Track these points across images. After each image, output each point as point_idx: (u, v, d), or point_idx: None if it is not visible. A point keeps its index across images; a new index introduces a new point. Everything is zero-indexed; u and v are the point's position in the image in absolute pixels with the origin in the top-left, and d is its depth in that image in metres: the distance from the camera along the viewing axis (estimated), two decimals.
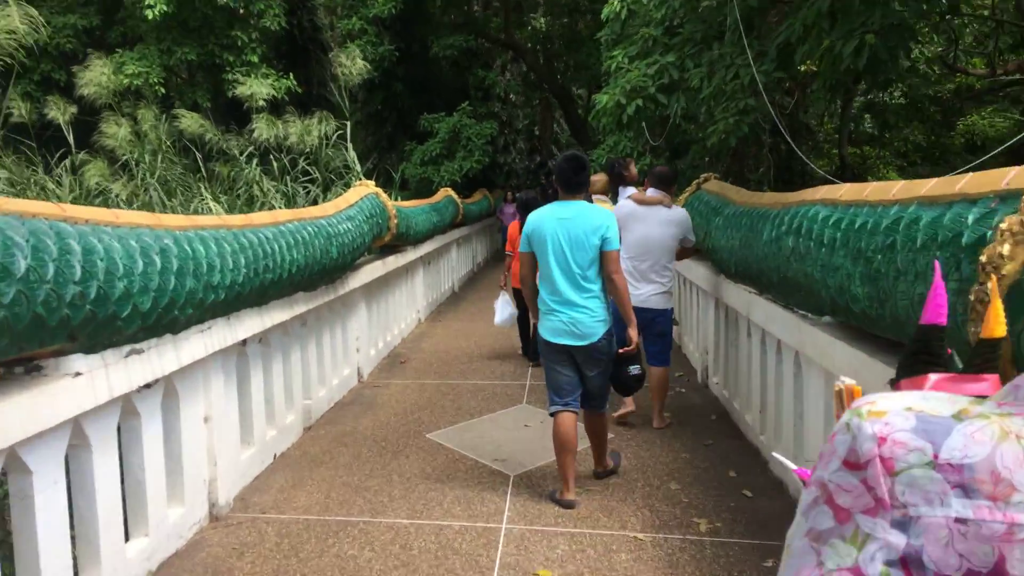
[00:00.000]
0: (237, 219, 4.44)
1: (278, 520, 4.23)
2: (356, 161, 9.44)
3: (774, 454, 1.68)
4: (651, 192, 5.95)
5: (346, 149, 9.78)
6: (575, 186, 4.16)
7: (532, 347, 8.29)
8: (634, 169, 6.71)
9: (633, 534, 3.93)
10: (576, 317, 4.05)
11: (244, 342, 4.64)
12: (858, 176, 17.60)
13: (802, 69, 8.42)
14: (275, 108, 12.33)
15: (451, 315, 11.19)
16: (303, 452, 5.34)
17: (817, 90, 7.08)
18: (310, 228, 5.27)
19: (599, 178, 6.61)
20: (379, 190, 7.57)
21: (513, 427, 5.79)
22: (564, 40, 23.58)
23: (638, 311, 4.71)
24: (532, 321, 4.60)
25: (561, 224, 4.07)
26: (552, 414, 4.28)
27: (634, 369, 4.38)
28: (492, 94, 23.84)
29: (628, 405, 5.68)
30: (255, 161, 9.44)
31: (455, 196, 13.15)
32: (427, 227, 9.93)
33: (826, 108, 18.69)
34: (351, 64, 10.90)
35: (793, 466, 1.32)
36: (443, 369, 7.73)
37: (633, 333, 4.25)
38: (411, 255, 9.39)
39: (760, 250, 4.18)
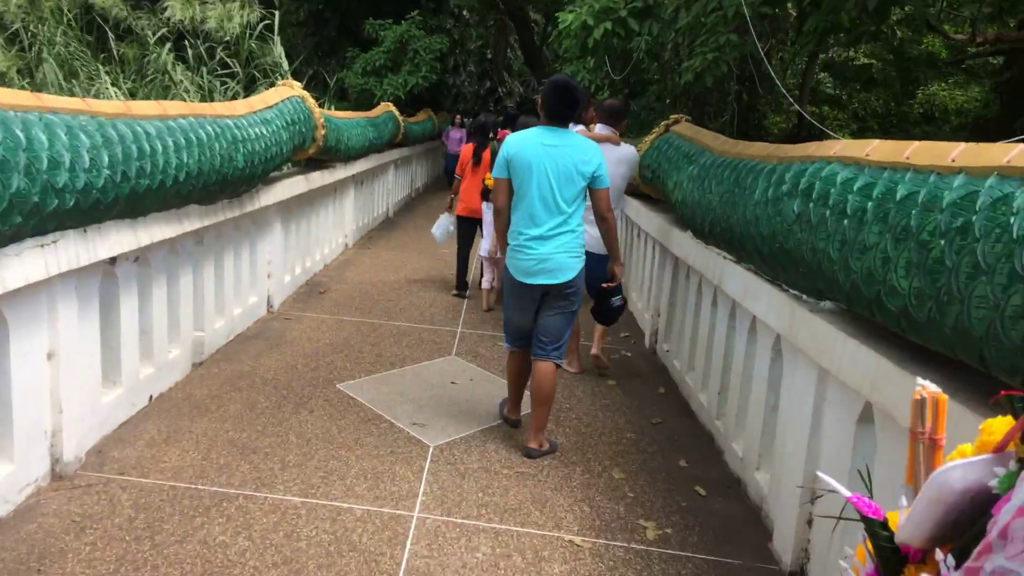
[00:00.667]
0: (109, 106, 3.49)
1: (138, 485, 3.43)
2: (283, 58, 8.33)
3: (821, 474, 1.38)
4: (599, 128, 5.42)
5: (273, 44, 8.63)
6: (561, 118, 3.89)
7: (460, 280, 7.70)
8: (592, 111, 5.96)
9: (569, 537, 3.28)
10: (552, 254, 3.80)
11: (113, 260, 3.75)
12: (814, 136, 17.18)
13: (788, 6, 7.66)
14: None
15: (383, 242, 10.30)
16: (187, 395, 4.51)
17: (806, 34, 6.37)
18: (210, 128, 4.33)
19: None
20: (305, 93, 6.57)
21: (438, 383, 5.07)
22: None
23: (589, 256, 4.16)
24: (496, 254, 4.19)
25: (548, 152, 3.79)
26: (508, 349, 4.22)
27: (616, 300, 4.43)
28: (444, 7, 22.42)
29: (574, 366, 5.48)
30: (167, 46, 8.22)
31: (396, 112, 12.10)
32: (361, 143, 8.95)
33: (791, 61, 18.09)
34: None
35: (847, 492, 1.22)
36: (366, 305, 6.92)
37: (618, 269, 4.23)
38: (341, 172, 8.44)
39: (748, 211, 3.49)
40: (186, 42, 8.54)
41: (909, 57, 11.37)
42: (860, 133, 17.70)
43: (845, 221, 2.55)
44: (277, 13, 8.77)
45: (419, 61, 16.80)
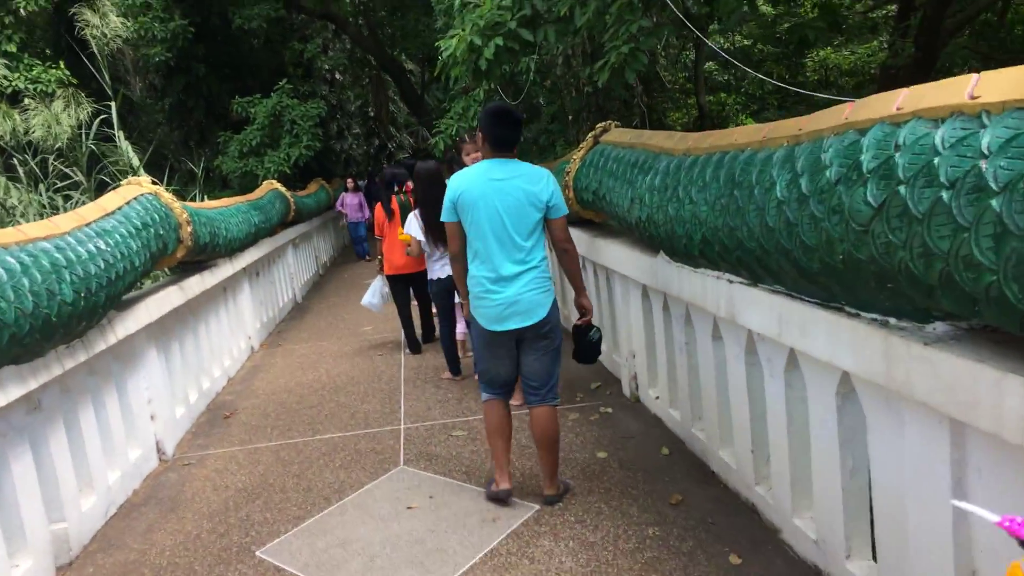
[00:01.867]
0: None
1: None
2: (131, 152, 7.11)
3: (956, 503, 1.31)
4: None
5: (117, 139, 7.39)
6: (506, 145, 3.62)
7: (425, 334, 7.31)
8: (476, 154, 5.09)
9: None
10: (521, 294, 3.55)
11: None
12: (718, 125, 16.76)
13: None
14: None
15: (295, 334, 9.04)
16: None
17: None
18: (11, 260, 3.13)
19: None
20: (158, 189, 5.39)
21: (391, 513, 3.91)
22: (388, 6, 21.38)
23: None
24: (462, 303, 3.91)
25: (494, 187, 3.54)
26: (486, 399, 3.87)
27: (595, 334, 3.95)
28: (315, 71, 21.41)
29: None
30: None
31: (283, 189, 10.91)
32: (245, 230, 7.75)
33: (678, 56, 17.74)
34: (102, 23, 8.40)
35: (994, 517, 1.16)
36: (284, 420, 5.69)
37: (587, 301, 3.86)
38: (226, 269, 7.21)
39: (769, 216, 2.52)
40: (15, 160, 7.20)
41: (804, 22, 10.89)
42: (759, 113, 17.37)
43: (995, 201, 1.58)
44: (113, 104, 7.53)
45: (298, 131, 15.65)
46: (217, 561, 3.61)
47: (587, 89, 11.40)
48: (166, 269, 6.22)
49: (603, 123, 5.29)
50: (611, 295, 5.56)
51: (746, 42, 18.00)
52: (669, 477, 3.95)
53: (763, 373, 3.17)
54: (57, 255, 3.59)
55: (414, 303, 7.38)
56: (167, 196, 5.45)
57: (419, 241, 6.08)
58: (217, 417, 5.99)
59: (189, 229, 5.56)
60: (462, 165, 5.27)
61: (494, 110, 3.66)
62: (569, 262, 3.73)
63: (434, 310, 6.86)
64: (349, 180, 16.05)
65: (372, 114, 31.51)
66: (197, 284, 6.21)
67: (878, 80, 12.32)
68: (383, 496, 4.13)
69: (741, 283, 3.05)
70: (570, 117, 12.05)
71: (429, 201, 5.72)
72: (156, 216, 5.09)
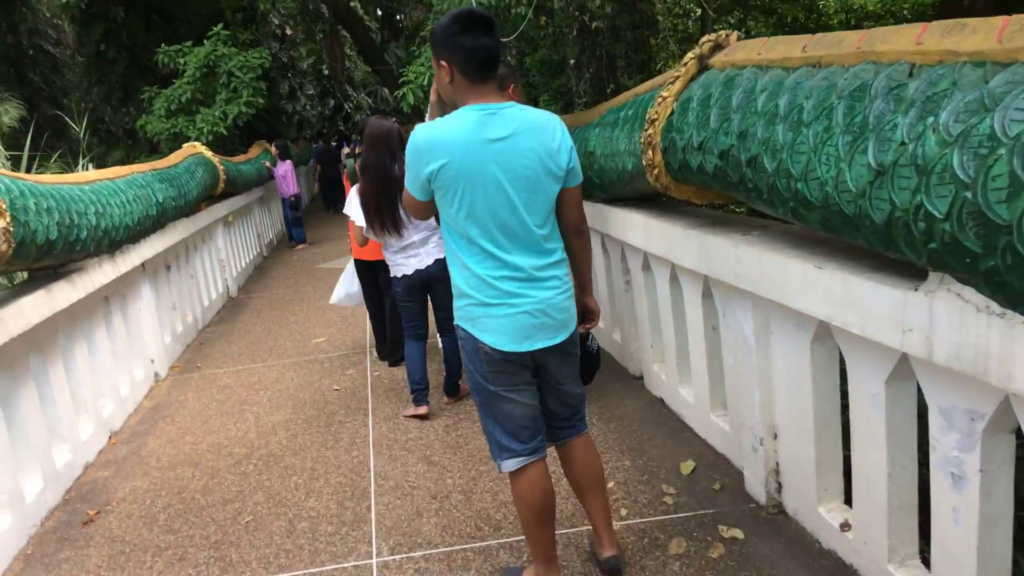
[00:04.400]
0: None
1: None
2: None
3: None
4: None
5: None
6: (492, 67, 2.39)
7: (389, 346, 5.52)
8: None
9: None
10: (550, 300, 2.43)
11: None
12: None
13: None
14: None
15: (221, 347, 6.74)
16: None
17: None
18: None
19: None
20: None
21: None
22: None
23: None
24: None
25: (494, 151, 2.32)
26: (516, 465, 2.55)
27: (592, 345, 2.88)
28: (259, 20, 18.72)
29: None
30: None
31: (208, 154, 8.51)
32: (140, 213, 5.41)
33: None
34: None
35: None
36: (177, 533, 3.47)
37: (594, 303, 2.79)
38: (105, 272, 4.89)
39: None
40: None
41: None
42: None
43: None
44: None
45: (236, 84, 13.11)
46: None
47: (597, 25, 9.12)
48: None
49: (712, 35, 3.07)
50: (716, 329, 3.40)
51: None
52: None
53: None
54: None
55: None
56: None
57: (360, 227, 4.37)
58: (74, 520, 3.73)
59: (3, 223, 3.25)
60: None
61: (458, 15, 2.38)
62: (585, 249, 2.71)
63: None
64: (272, 147, 13.29)
65: (327, 72, 28.86)
66: (45, 302, 3.90)
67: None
68: None
69: None
70: (571, 62, 9.74)
71: (375, 174, 4.22)
72: None
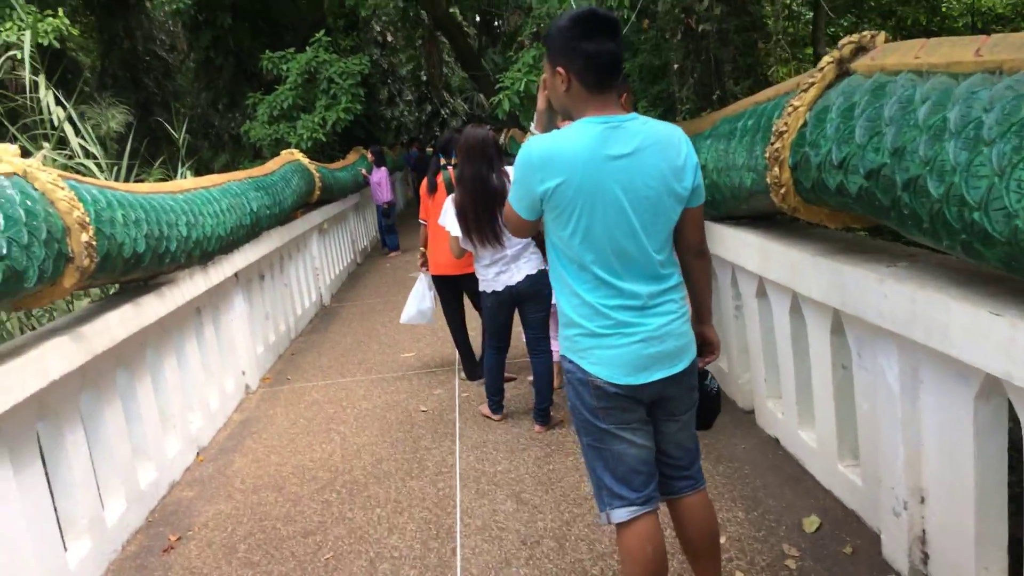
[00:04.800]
0: None
1: None
2: (52, 106, 4.75)
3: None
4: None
5: (27, 88, 5.03)
6: (613, 76, 2.12)
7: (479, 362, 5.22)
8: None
9: None
10: (666, 328, 2.18)
11: None
12: None
13: None
14: None
15: (311, 358, 6.66)
16: None
17: None
18: None
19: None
20: (27, 165, 3.00)
21: None
22: None
23: None
24: None
25: (616, 169, 2.07)
26: (620, 521, 2.26)
27: (712, 384, 2.49)
28: (361, 27, 18.98)
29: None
30: None
31: (305, 161, 8.52)
32: (234, 222, 5.35)
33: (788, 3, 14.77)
34: None
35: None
36: (255, 566, 3.31)
37: (714, 334, 2.49)
38: (196, 284, 4.83)
39: None
40: None
41: None
42: None
43: None
44: (26, 42, 5.18)
45: (335, 91, 13.22)
46: None
47: (704, 28, 8.67)
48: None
49: (854, 36, 2.66)
50: (864, 377, 2.98)
51: None
52: None
53: None
54: None
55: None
56: (42, 178, 3.05)
57: (456, 238, 4.28)
58: (155, 546, 3.62)
59: (86, 237, 3.15)
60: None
61: (579, 17, 2.11)
62: (706, 272, 2.43)
63: None
64: (369, 153, 13.29)
65: (425, 78, 29.10)
66: (130, 317, 3.83)
67: None
68: None
69: None
70: (675, 66, 9.32)
71: (472, 184, 4.12)
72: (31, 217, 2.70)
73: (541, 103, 2.32)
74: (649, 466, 2.28)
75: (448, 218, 4.35)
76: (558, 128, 2.24)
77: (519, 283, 4.21)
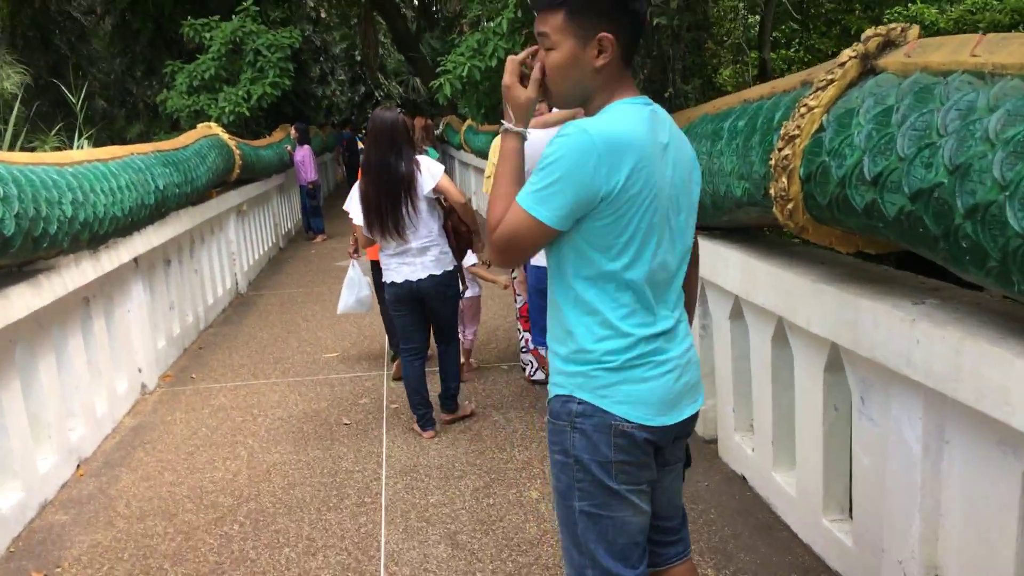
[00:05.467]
0: None
1: None
2: None
3: None
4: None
5: None
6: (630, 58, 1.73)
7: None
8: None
9: None
10: (686, 350, 1.81)
11: None
12: None
13: None
14: None
15: (221, 355, 6.00)
16: None
17: None
18: None
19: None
20: None
21: None
22: None
23: None
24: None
25: (668, 161, 1.69)
26: None
27: None
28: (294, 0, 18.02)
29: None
30: None
31: (224, 136, 7.78)
32: (131, 203, 4.66)
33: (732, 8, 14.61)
34: None
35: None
36: None
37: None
38: (83, 272, 4.16)
39: None
40: None
41: None
42: None
43: None
44: None
45: (263, 64, 12.39)
46: None
47: (659, 21, 8.32)
48: None
49: (882, 28, 2.26)
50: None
51: None
52: None
53: None
54: None
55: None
56: None
57: (359, 226, 4.00)
58: None
59: None
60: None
61: None
62: (696, 285, 2.08)
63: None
64: (292, 130, 12.63)
65: (359, 58, 28.15)
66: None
67: None
68: None
69: None
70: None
71: (377, 171, 3.83)
72: None
73: (532, 90, 1.76)
74: (646, 535, 1.83)
75: (352, 205, 4.04)
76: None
77: (420, 280, 3.92)
